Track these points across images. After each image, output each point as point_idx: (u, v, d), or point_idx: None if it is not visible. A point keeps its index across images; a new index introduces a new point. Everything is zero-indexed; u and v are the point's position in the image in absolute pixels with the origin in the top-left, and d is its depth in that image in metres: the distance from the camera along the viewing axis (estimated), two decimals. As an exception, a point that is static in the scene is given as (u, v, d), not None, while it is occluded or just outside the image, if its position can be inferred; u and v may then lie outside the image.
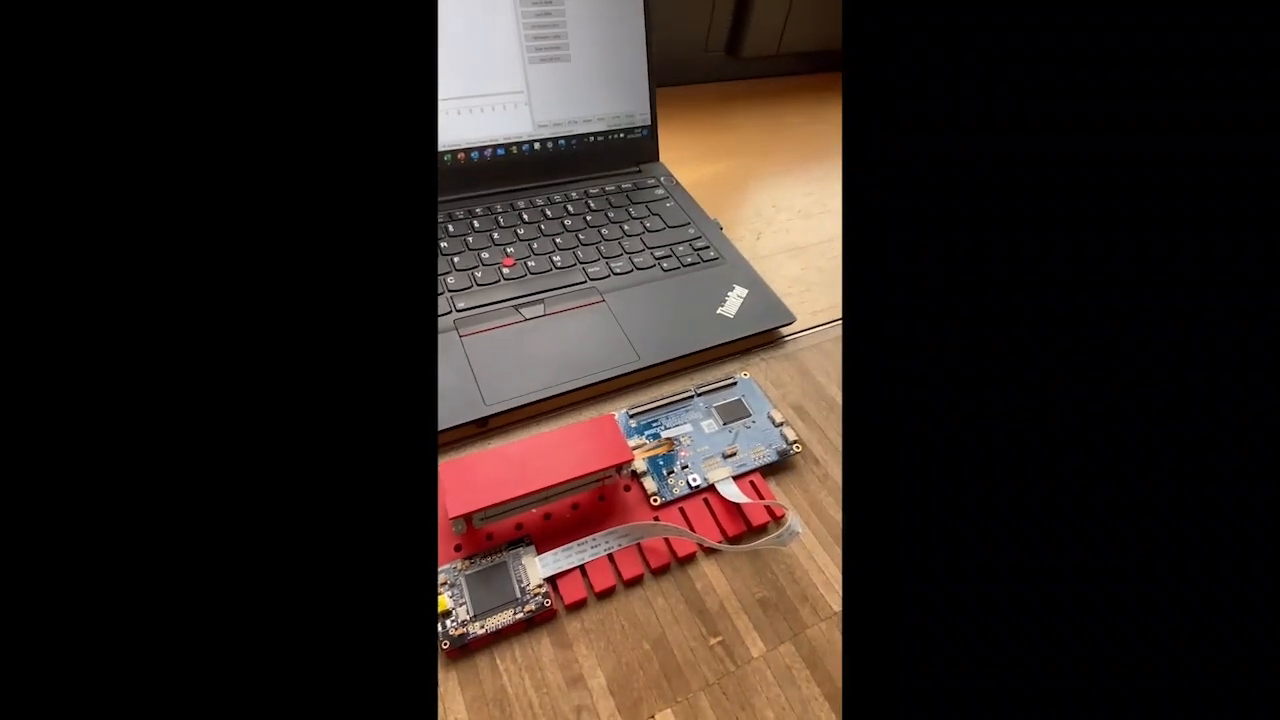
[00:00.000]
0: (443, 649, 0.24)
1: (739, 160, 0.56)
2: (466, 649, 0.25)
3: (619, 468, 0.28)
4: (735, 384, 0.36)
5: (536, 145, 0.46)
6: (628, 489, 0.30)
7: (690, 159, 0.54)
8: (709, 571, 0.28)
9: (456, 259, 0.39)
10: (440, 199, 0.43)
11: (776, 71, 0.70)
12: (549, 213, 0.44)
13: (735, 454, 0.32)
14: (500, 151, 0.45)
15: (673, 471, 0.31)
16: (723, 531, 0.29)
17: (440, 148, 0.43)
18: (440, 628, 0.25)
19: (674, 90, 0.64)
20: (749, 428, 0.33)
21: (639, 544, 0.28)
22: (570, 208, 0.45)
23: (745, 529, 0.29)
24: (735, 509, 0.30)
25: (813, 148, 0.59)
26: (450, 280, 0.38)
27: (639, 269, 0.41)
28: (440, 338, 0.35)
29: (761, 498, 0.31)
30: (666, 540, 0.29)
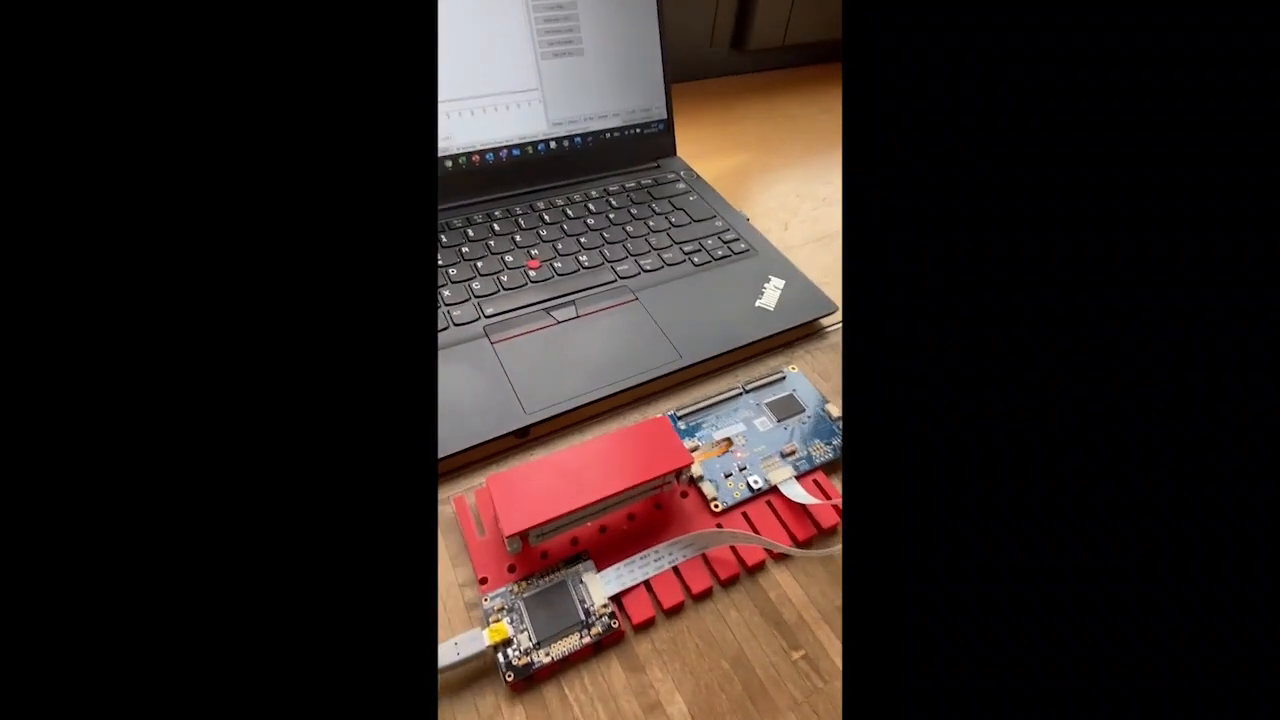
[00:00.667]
0: (506, 681, 0.22)
1: (753, 153, 0.55)
2: (532, 680, 0.23)
3: (678, 473, 0.26)
4: (784, 378, 0.34)
5: (552, 144, 0.44)
6: (685, 495, 0.28)
7: (706, 153, 0.52)
8: (781, 580, 0.26)
9: (480, 264, 0.37)
10: (456, 203, 0.42)
11: (783, 64, 0.69)
12: (570, 212, 0.42)
13: (794, 452, 0.30)
14: (515, 152, 0.43)
15: (730, 475, 0.29)
16: (791, 536, 0.27)
17: (453, 150, 0.41)
18: (501, 658, 0.23)
19: (682, 86, 0.62)
20: (805, 423, 0.32)
21: (704, 554, 0.26)
22: (591, 206, 0.43)
23: (815, 532, 0.28)
24: (802, 511, 0.28)
25: (824, 138, 0.57)
26: (475, 286, 0.36)
27: (669, 265, 0.39)
28: (470, 345, 0.33)
29: (829, 497, 0.29)
30: (733, 549, 0.27)
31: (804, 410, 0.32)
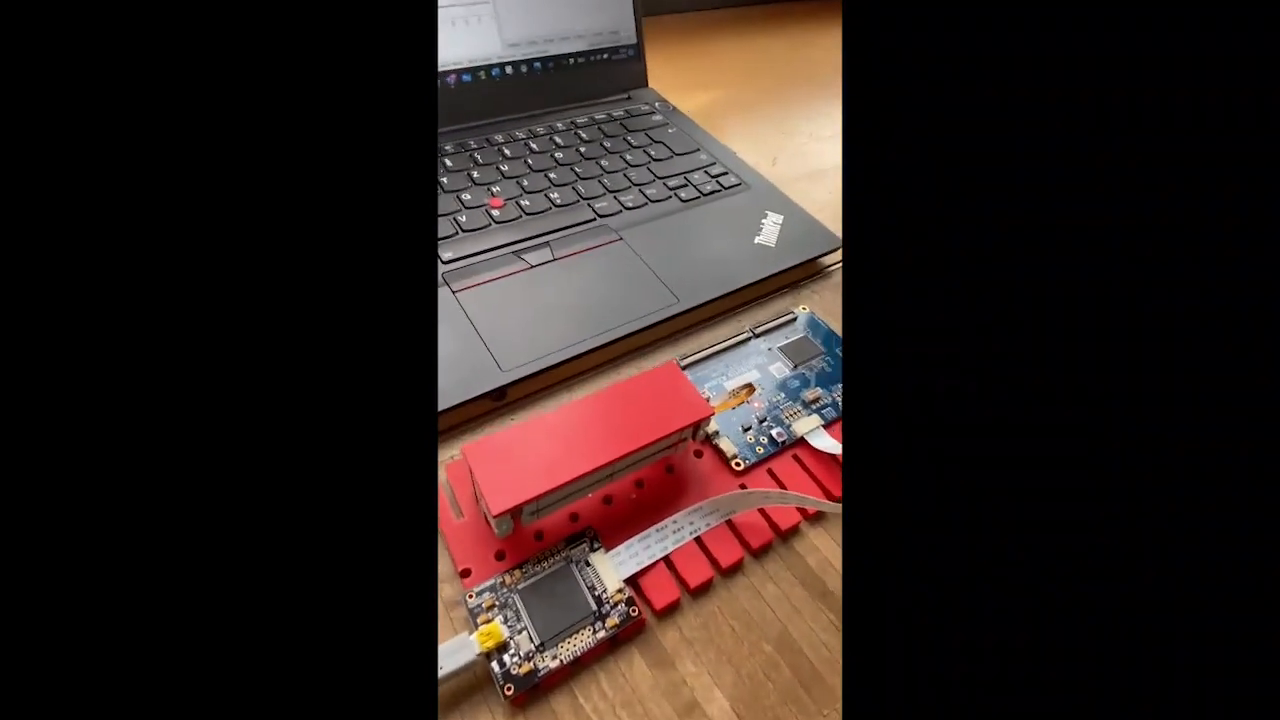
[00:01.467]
0: (505, 695, 0.18)
1: (730, 89, 0.50)
2: (538, 689, 0.18)
3: (695, 427, 0.22)
4: (795, 319, 0.30)
5: (509, 69, 0.38)
6: (699, 455, 0.24)
7: (680, 87, 0.47)
8: (820, 543, 0.23)
9: (432, 203, 0.32)
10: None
11: (753, -1, 0.64)
12: (534, 145, 0.36)
13: (818, 399, 0.26)
14: (467, 78, 0.37)
15: (750, 428, 0.25)
16: (826, 491, 0.24)
17: (393, 72, 0.34)
18: (497, 667, 0.18)
19: (656, 20, 0.57)
20: (824, 366, 0.28)
21: (729, 520, 0.22)
22: (558, 139, 0.37)
23: (851, 486, 0.24)
24: (834, 462, 0.24)
25: (804, 73, 0.53)
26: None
27: (653, 201, 0.34)
28: (429, 295, 0.27)
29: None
30: (763, 511, 0.23)
31: (822, 352, 0.28)
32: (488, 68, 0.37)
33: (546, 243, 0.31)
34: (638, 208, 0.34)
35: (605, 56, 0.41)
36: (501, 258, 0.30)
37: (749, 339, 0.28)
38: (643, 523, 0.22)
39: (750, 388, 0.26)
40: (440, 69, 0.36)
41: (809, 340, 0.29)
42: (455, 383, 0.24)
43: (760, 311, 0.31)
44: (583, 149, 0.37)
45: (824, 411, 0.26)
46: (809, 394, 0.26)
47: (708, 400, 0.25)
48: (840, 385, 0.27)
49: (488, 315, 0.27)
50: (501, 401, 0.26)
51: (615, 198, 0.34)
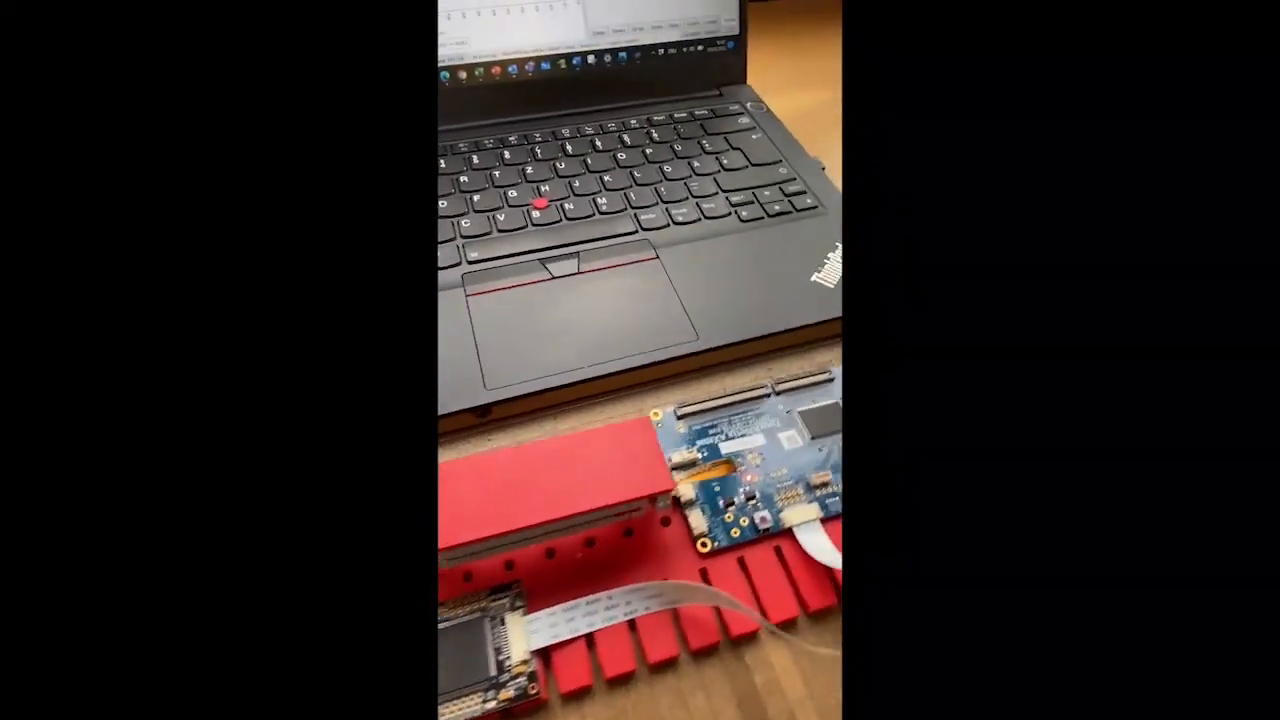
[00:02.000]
0: (380, 742, 0.17)
1: (838, 90, 0.44)
2: (412, 747, 0.17)
3: (653, 499, 0.20)
4: (831, 380, 0.25)
5: (591, 59, 0.36)
6: (666, 523, 0.22)
7: (783, 84, 0.42)
8: (776, 659, 0.19)
9: (477, 198, 0.31)
10: (464, 124, 0.35)
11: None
12: (600, 144, 0.35)
13: (826, 485, 0.22)
14: (545, 65, 0.36)
15: (733, 503, 0.22)
16: (802, 603, 0.20)
17: (467, 59, 0.34)
18: (380, 710, 0.17)
19: (764, 6, 0.52)
20: (848, 446, 0.23)
21: (675, 609, 0.20)
22: (627, 138, 0.35)
23: (835, 601, 0.20)
24: (823, 570, 0.20)
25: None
26: (465, 224, 0.30)
27: (708, 218, 0.31)
28: (440, 296, 0.27)
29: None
30: (717, 610, 0.20)
31: (851, 428, 0.24)
32: (568, 56, 0.36)
33: (576, 253, 0.29)
34: (688, 223, 0.31)
35: (700, 48, 0.38)
36: (526, 264, 0.28)
37: (768, 395, 0.25)
38: (581, 587, 0.20)
39: (745, 457, 0.23)
40: (518, 56, 0.35)
41: (839, 410, 0.24)
42: (441, 394, 0.24)
43: (794, 363, 0.27)
44: (649, 151, 0.34)
45: (828, 502, 0.22)
46: (817, 476, 0.22)
47: (694, 462, 0.23)
48: (861, 472, 0.23)
49: (492, 326, 0.26)
50: (485, 419, 0.25)
51: (667, 209, 0.31)
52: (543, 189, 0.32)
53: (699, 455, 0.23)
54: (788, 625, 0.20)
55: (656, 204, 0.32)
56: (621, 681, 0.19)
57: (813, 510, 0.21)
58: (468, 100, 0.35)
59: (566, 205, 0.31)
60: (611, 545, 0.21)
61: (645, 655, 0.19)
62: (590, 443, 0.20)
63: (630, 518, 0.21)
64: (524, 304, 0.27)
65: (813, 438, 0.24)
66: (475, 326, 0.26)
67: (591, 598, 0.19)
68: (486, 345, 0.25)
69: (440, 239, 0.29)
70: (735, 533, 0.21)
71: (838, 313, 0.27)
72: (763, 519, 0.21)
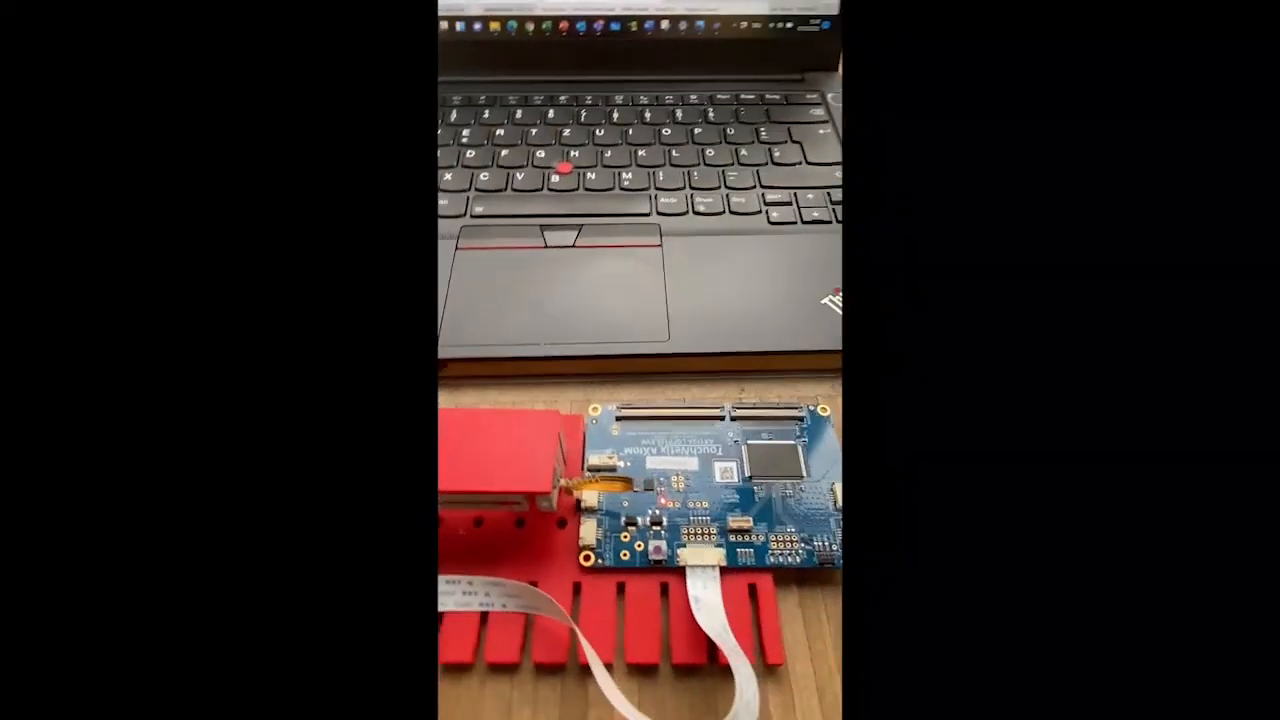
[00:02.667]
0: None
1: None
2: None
3: (531, 497, 0.18)
4: (803, 420, 0.22)
5: (664, 24, 0.34)
6: (562, 524, 0.20)
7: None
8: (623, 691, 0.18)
9: (504, 153, 0.31)
10: (520, 77, 0.35)
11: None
12: (648, 115, 0.33)
13: (746, 533, 0.20)
14: (615, 26, 0.34)
15: (635, 525, 0.20)
16: (667, 651, 0.18)
17: (536, 11, 0.33)
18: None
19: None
20: (793, 497, 0.21)
21: (531, 615, 0.19)
22: (680, 113, 0.33)
23: (704, 661, 0.18)
24: (697, 628, 0.18)
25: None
26: (483, 177, 0.30)
27: (734, 213, 0.28)
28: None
29: (758, 624, 0.18)
30: (573, 629, 0.18)
31: (802, 477, 0.21)
32: (640, 19, 0.34)
33: (579, 225, 0.28)
34: (709, 215, 0.28)
35: (789, 26, 0.34)
36: (526, 228, 0.28)
37: (720, 418, 0.22)
38: (454, 564, 0.19)
39: (669, 480, 0.21)
40: (590, 13, 0.34)
41: (795, 455, 0.21)
42: (397, 338, 0.24)
43: (774, 389, 0.24)
44: (698, 131, 0.32)
45: (739, 550, 0.19)
46: (738, 520, 0.20)
47: (612, 468, 0.21)
48: (790, 531, 0.20)
49: (469, 284, 0.26)
50: (439, 370, 0.25)
51: (691, 196, 0.29)
52: (572, 154, 0.31)
53: (620, 463, 0.21)
54: (646, 669, 0.18)
55: (683, 188, 0.29)
56: (455, 670, 0.18)
57: (714, 555, 0.19)
58: (528, 53, 0.34)
59: (589, 175, 0.30)
60: (499, 531, 0.20)
61: (485, 650, 0.18)
62: (493, 424, 0.19)
63: (516, 510, 0.20)
64: (508, 268, 0.26)
65: (749, 477, 0.21)
66: (452, 280, 0.26)
67: (452, 578, 0.19)
68: (456, 301, 0.25)
69: (455, 188, 0.29)
70: (625, 555, 0.19)
71: (836, 345, 0.24)
72: (656, 549, 0.19)
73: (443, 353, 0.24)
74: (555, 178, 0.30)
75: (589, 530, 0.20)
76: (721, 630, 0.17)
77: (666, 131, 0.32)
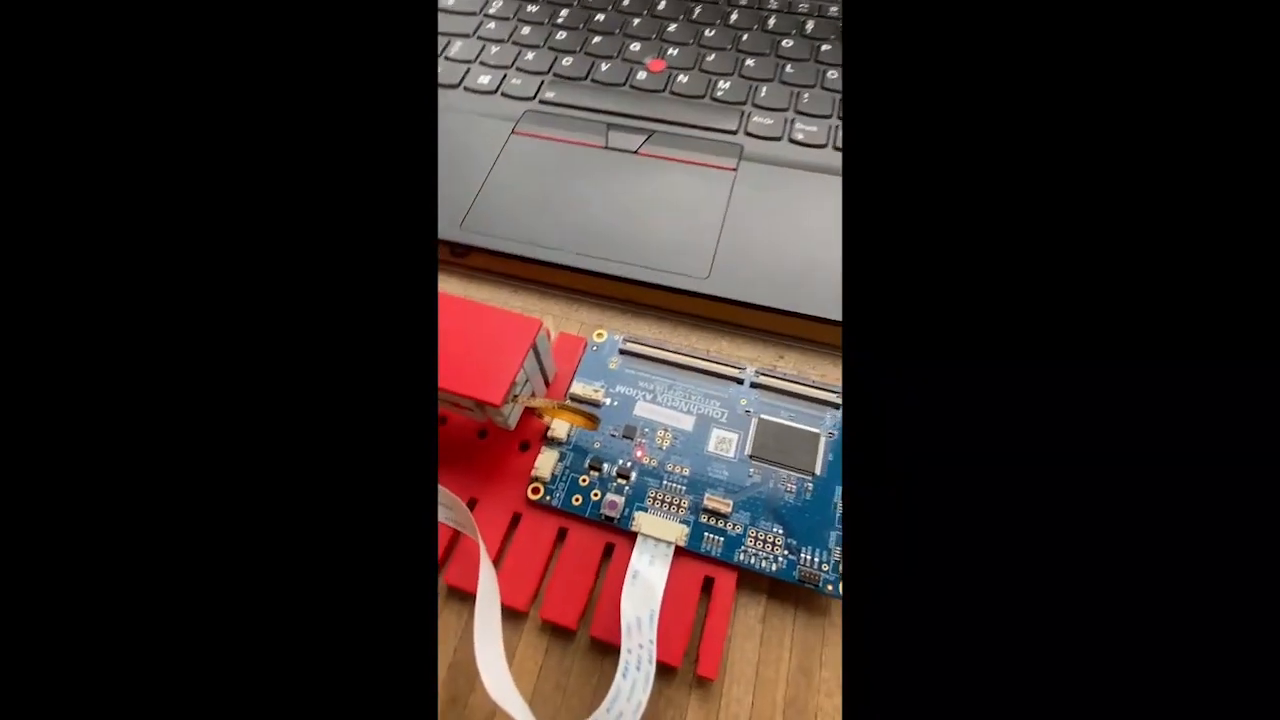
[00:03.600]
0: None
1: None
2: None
3: (479, 405, 0.16)
4: (838, 406, 0.18)
5: (822, -88, 0.28)
6: (525, 447, 0.18)
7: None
8: (515, 641, 0.16)
9: (596, 39, 0.27)
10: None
11: None
12: (773, 23, 0.27)
13: (722, 517, 0.16)
14: (763, -90, 0.29)
15: (598, 470, 0.17)
16: (565, 611, 0.16)
17: (676, -122, 0.29)
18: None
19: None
20: (792, 494, 0.17)
21: (457, 533, 0.17)
22: (811, 25, 0.27)
23: (602, 637, 0.15)
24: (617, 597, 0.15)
25: None
26: (565, 62, 0.27)
27: (839, 148, 0.23)
28: (488, 122, 0.25)
29: (702, 625, 0.15)
30: (488, 559, 0.16)
31: (813, 474, 0.17)
32: (795, -98, 0.28)
33: (650, 131, 0.24)
34: (807, 145, 0.23)
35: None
36: (592, 123, 0.24)
37: (741, 382, 0.19)
38: (405, 456, 0.18)
39: (655, 432, 0.18)
40: (736, -111, 0.28)
41: (813, 445, 0.17)
42: (425, 213, 0.23)
43: (814, 363, 0.20)
44: (825, 48, 0.26)
45: (705, 534, 0.16)
46: (715, 499, 0.16)
47: (595, 403, 0.18)
48: (775, 529, 0.16)
49: (514, 170, 0.23)
50: (461, 258, 0.23)
51: (792, 121, 0.24)
52: (670, 52, 0.27)
53: (606, 400, 0.18)
54: (560, 631, 0.16)
55: (785, 109, 0.24)
56: (370, 562, 0.17)
57: (675, 531, 0.16)
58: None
59: (681, 77, 0.26)
60: (459, 436, 0.18)
61: (402, 554, 0.17)
62: (468, 316, 0.17)
63: (472, 418, 0.18)
64: (559, 163, 0.23)
65: (751, 454, 0.17)
66: (498, 164, 0.24)
67: (393, 469, 0.17)
68: (495, 187, 0.23)
69: (533, 69, 0.26)
70: (576, 500, 0.17)
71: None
72: (611, 504, 0.17)
73: (465, 239, 0.22)
74: (642, 74, 0.26)
75: (546, 462, 0.17)
76: (647, 618, 0.14)
77: (787, 43, 0.27)
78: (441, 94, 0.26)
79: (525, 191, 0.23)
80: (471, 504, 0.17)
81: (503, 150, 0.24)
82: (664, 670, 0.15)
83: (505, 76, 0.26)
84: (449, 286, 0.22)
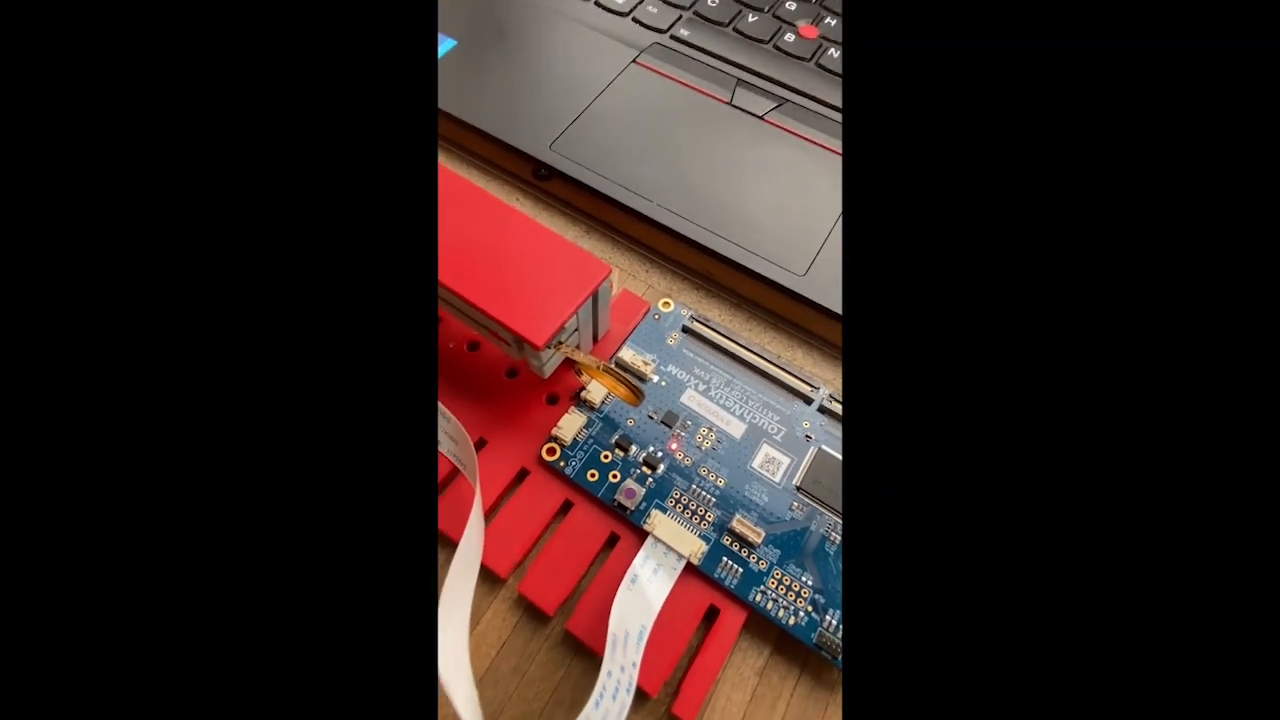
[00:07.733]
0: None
1: None
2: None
3: (519, 342, 0.14)
4: (910, 461, 0.15)
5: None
6: (553, 400, 0.16)
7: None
8: (484, 607, 0.14)
9: (752, -13, 0.24)
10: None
11: None
12: None
13: (751, 547, 0.14)
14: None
15: (624, 451, 0.15)
16: (547, 589, 0.14)
17: None
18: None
19: None
20: (838, 552, 0.14)
21: (459, 471, 0.15)
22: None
23: (582, 639, 0.13)
24: (607, 593, 0.13)
25: None
26: (711, 2, 0.24)
27: (988, 176, 0.20)
28: (611, 44, 0.22)
29: (692, 659, 0.13)
30: (482, 510, 0.15)
31: (862, 528, 0.14)
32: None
33: (783, 100, 0.21)
34: (953, 163, 0.20)
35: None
36: (722, 75, 0.22)
37: (810, 402, 0.16)
38: (424, 372, 0.16)
39: (699, 423, 0.16)
40: None
41: (873, 495, 0.15)
42: (516, 126, 0.21)
43: (895, 406, 0.17)
44: (1005, 59, 0.23)
45: (721, 561, 0.14)
46: (745, 526, 0.14)
47: (639, 377, 0.16)
48: (796, 565, 0.14)
49: (621, 101, 0.21)
50: (543, 181, 0.21)
51: (944, 131, 0.21)
52: (827, 21, 0.24)
53: (653, 378, 0.16)
54: (536, 614, 0.14)
55: (939, 116, 0.21)
56: (357, 474, 0.15)
57: (691, 545, 0.14)
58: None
59: (832, 51, 0.23)
60: (486, 367, 0.17)
61: (392, 476, 0.15)
62: (539, 243, 0.15)
63: (509, 354, 0.16)
64: (674, 106, 0.21)
65: (798, 487, 0.15)
66: (607, 91, 0.21)
67: (408, 383, 0.16)
68: (597, 116, 0.21)
69: (678, 2, 0.24)
70: (592, 475, 0.15)
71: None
72: (629, 492, 0.14)
73: (554, 160, 0.20)
74: (790, 36, 0.23)
75: (571, 424, 0.15)
76: (635, 635, 0.12)
77: (963, 43, 0.23)
78: (569, 3, 0.24)
79: (628, 128, 0.21)
80: (480, 444, 0.15)
81: (617, 78, 0.22)
82: (637, 696, 0.13)
83: (642, 1, 0.24)
84: (522, 209, 0.20)
